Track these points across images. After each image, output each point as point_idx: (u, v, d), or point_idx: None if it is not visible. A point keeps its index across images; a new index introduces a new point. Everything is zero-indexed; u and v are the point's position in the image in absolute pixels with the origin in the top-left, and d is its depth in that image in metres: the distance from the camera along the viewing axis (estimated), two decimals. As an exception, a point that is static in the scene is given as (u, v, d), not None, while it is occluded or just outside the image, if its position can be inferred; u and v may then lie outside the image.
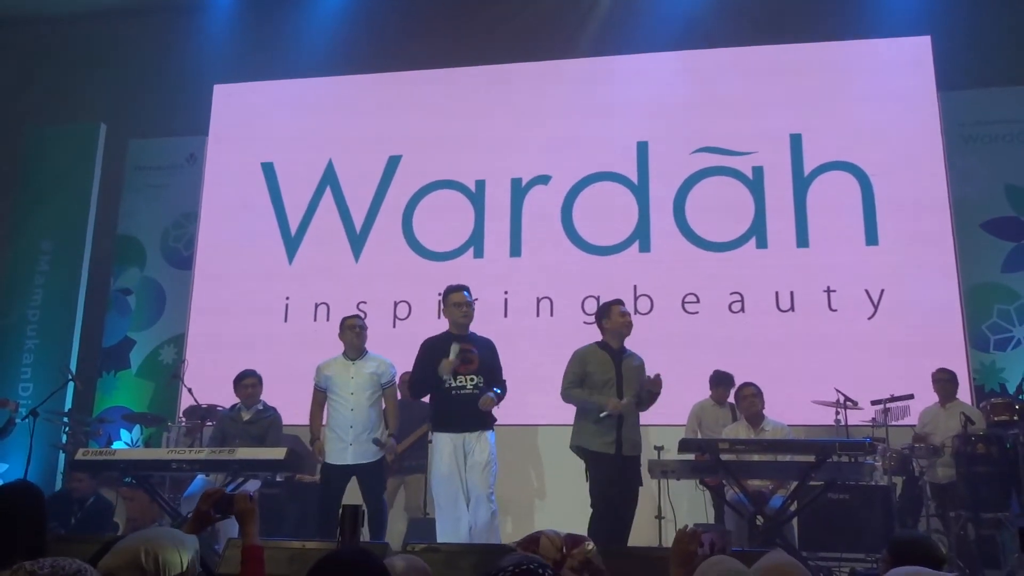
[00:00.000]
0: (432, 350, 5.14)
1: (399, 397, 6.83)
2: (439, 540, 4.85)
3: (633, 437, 4.97)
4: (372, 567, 1.81)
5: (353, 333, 5.56)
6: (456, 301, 5.19)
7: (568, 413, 5.17)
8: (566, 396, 5.07)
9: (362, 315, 5.85)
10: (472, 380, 5.01)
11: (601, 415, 4.87)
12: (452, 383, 5.02)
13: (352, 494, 5.36)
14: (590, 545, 2.37)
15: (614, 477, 4.84)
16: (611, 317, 5.10)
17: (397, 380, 5.72)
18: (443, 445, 4.97)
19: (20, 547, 2.19)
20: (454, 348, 5.02)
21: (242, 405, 6.11)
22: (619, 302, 5.23)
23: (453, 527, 4.86)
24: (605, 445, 4.89)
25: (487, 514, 4.84)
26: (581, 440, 4.97)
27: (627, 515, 4.92)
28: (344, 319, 5.71)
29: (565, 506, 5.17)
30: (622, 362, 5.04)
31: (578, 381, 5.04)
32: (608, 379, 4.97)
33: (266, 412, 6.09)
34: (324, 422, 5.53)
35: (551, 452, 5.90)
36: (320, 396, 5.56)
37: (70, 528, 6.09)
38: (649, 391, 4.99)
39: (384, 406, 5.58)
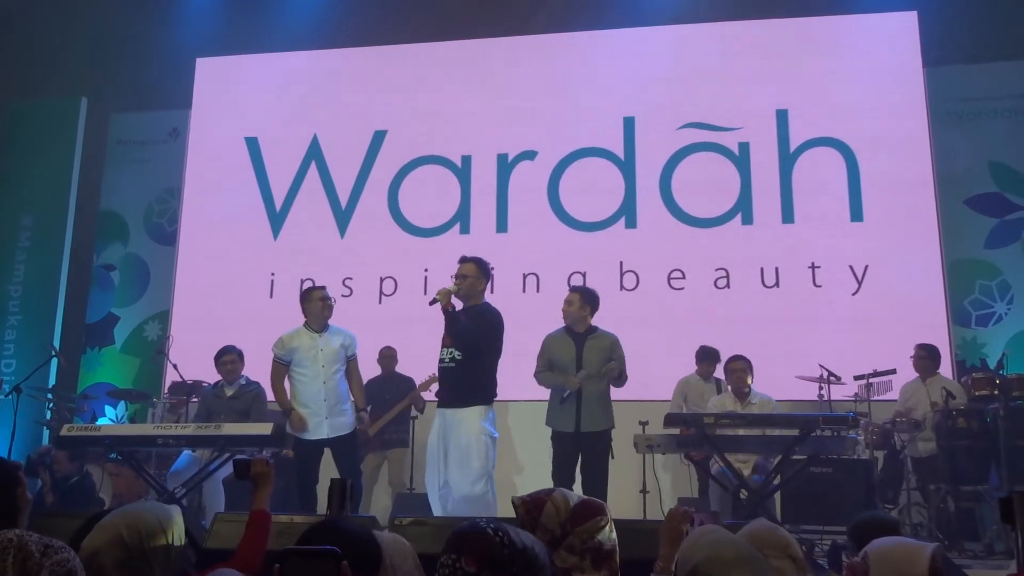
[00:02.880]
0: None
1: (379, 372, 6.87)
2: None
3: (594, 414, 5.17)
4: (366, 538, 1.80)
5: (324, 305, 5.48)
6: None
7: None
8: (538, 379, 5.39)
9: (326, 287, 5.74)
10: (449, 353, 4.92)
11: (564, 395, 5.17)
12: (440, 355, 4.97)
13: (325, 468, 5.38)
14: (603, 523, 2.04)
15: (572, 456, 5.14)
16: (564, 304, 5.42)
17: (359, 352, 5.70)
18: (435, 419, 4.98)
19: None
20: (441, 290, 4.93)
21: (224, 382, 6.09)
22: (571, 290, 5.54)
23: (433, 503, 4.89)
24: (565, 424, 5.18)
25: (468, 492, 4.69)
26: (548, 419, 5.30)
27: (597, 492, 5.00)
28: (311, 290, 5.62)
29: (548, 482, 5.20)
30: (584, 343, 5.27)
31: (547, 365, 5.35)
32: (569, 360, 5.24)
33: (249, 386, 6.08)
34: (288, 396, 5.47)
35: (538, 427, 5.93)
36: (282, 369, 5.46)
37: (48, 505, 6.09)
38: (610, 374, 5.21)
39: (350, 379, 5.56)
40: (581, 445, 5.15)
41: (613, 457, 5.22)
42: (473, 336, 4.87)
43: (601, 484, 5.08)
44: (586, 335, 5.30)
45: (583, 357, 5.22)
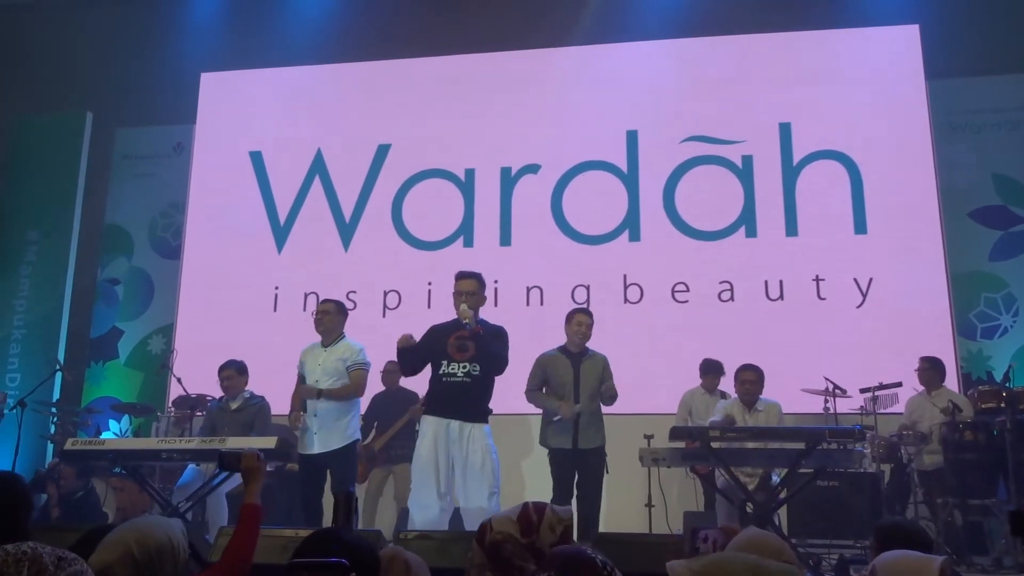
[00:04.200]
0: (433, 331, 5.06)
1: (384, 387, 6.85)
2: (410, 524, 4.77)
3: (590, 431, 5.28)
4: (365, 548, 1.78)
5: (315, 319, 5.46)
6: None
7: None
8: (528, 397, 5.44)
9: (334, 301, 5.62)
10: (464, 368, 4.83)
11: (554, 419, 5.27)
12: (445, 369, 4.87)
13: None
14: (496, 524, 1.97)
15: (569, 472, 5.23)
16: (571, 324, 5.47)
17: (368, 363, 5.50)
18: (427, 428, 4.84)
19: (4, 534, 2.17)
20: (463, 309, 4.83)
21: (227, 396, 6.09)
22: (582, 311, 5.56)
23: (421, 514, 4.74)
24: (562, 441, 5.27)
25: (485, 505, 4.64)
26: (543, 438, 5.38)
27: (592, 506, 5.17)
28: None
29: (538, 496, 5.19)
30: (581, 364, 5.37)
31: (538, 385, 5.40)
32: (566, 382, 5.32)
33: (253, 400, 6.07)
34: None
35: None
36: (299, 383, 5.47)
37: (53, 520, 6.09)
38: (607, 394, 5.33)
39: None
40: (578, 462, 5.24)
41: (608, 472, 5.31)
42: (504, 359, 4.91)
43: (597, 499, 5.22)
44: (582, 356, 5.40)
45: (580, 378, 5.31)
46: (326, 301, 5.64)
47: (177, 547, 2.02)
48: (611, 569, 1.61)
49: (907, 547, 2.30)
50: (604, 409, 5.43)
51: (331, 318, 5.47)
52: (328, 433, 5.25)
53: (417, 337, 4.94)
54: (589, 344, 5.47)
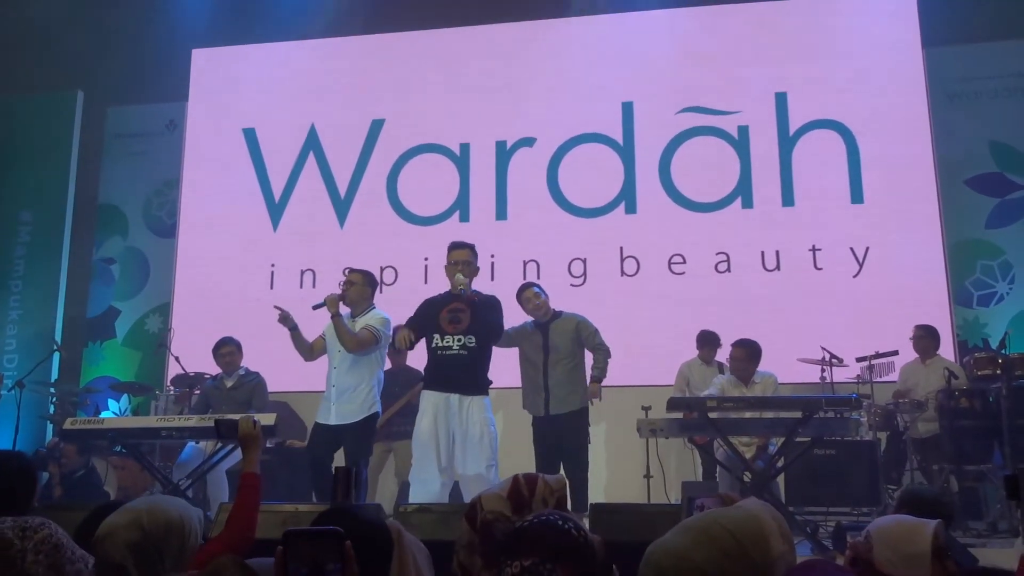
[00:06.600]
0: (427, 305, 5.06)
1: (388, 365, 6.83)
2: (411, 499, 4.78)
3: (561, 395, 5.33)
4: (377, 524, 1.77)
5: (342, 291, 5.28)
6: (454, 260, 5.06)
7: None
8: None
9: (361, 272, 5.44)
10: (459, 340, 4.83)
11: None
12: (439, 342, 4.88)
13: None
14: (486, 502, 1.88)
15: (547, 439, 5.32)
16: (521, 304, 5.55)
17: (385, 333, 5.27)
18: (426, 403, 4.86)
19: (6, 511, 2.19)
20: (458, 278, 4.84)
21: (224, 373, 6.08)
22: (528, 286, 5.60)
23: (422, 489, 4.76)
24: (535, 408, 5.38)
25: (483, 473, 4.66)
26: (523, 403, 5.50)
27: (576, 474, 5.17)
28: None
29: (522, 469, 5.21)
30: (549, 330, 5.46)
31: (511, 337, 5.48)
32: (536, 349, 5.44)
33: (248, 376, 6.06)
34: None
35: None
36: (319, 342, 5.32)
37: (55, 499, 6.12)
38: (597, 353, 5.45)
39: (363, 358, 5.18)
40: (555, 428, 5.30)
41: (590, 441, 5.40)
42: (499, 326, 4.98)
43: (580, 466, 5.23)
44: (550, 322, 5.48)
45: (549, 343, 5.42)
46: (353, 271, 5.41)
47: (187, 530, 2.01)
48: (584, 533, 1.52)
49: (930, 516, 2.32)
50: (605, 381, 5.45)
51: (357, 289, 5.27)
52: (345, 404, 5.09)
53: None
54: (585, 312, 5.56)
